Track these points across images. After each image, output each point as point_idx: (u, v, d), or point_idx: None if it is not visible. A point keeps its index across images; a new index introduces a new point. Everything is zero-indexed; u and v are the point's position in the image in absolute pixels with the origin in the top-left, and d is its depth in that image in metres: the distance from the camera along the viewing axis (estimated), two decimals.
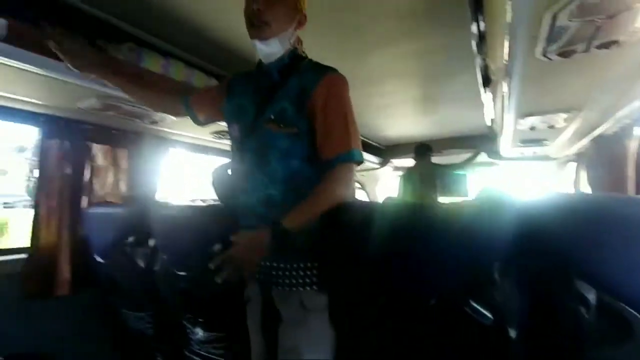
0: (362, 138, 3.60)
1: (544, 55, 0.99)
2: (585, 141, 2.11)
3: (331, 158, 0.92)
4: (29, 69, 1.15)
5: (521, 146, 2.60)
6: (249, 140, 0.99)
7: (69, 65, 1.11)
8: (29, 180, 1.96)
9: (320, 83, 0.93)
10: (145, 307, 1.57)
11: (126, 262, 1.50)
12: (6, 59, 1.08)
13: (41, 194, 1.63)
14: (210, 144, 2.55)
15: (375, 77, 2.12)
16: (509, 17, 0.88)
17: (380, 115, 2.98)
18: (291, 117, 0.94)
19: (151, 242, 1.47)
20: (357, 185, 4.84)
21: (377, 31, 1.58)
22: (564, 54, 0.97)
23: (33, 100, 1.50)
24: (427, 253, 0.82)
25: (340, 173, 0.93)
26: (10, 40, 1.04)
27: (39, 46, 1.10)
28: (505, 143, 2.57)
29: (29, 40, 1.08)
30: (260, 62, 1.04)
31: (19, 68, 1.14)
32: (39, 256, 1.61)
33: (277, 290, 0.98)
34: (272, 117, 0.95)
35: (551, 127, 1.87)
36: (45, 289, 1.62)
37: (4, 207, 12.11)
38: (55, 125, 1.65)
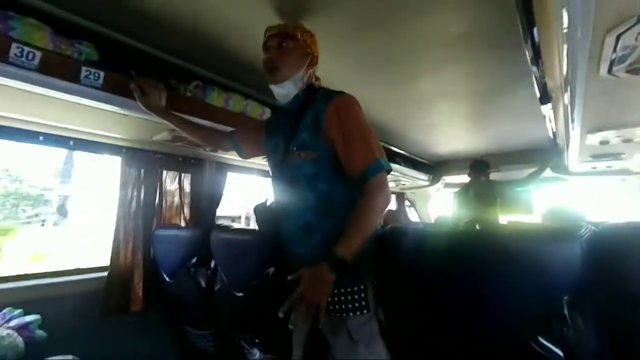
0: (412, 156, 3.57)
1: (610, 74, 0.93)
2: None
3: (361, 171, 0.94)
4: (118, 111, 1.36)
5: (593, 161, 2.36)
6: (282, 174, 1.08)
7: (140, 103, 1.31)
8: None
9: (328, 107, 0.98)
10: (206, 326, 1.67)
11: (190, 281, 1.62)
12: (103, 105, 1.29)
13: (120, 218, 1.84)
14: (264, 167, 2.70)
15: (427, 98, 2.10)
16: (564, 39, 0.84)
17: (431, 132, 2.91)
18: (310, 144, 1.00)
19: (212, 263, 1.58)
20: (406, 203, 4.71)
21: (430, 57, 1.58)
22: (634, 71, 0.89)
23: (118, 135, 1.77)
24: (489, 283, 0.78)
25: (375, 184, 0.93)
26: (107, 88, 1.26)
27: (126, 90, 1.31)
28: (573, 157, 2.35)
29: (118, 86, 1.29)
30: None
31: (110, 111, 1.35)
32: (117, 275, 1.80)
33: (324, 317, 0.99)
34: (295, 148, 1.02)
35: (628, 140, 1.68)
36: (122, 305, 1.80)
37: None
38: (134, 155, 1.90)
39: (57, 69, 1.12)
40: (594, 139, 1.72)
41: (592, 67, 0.91)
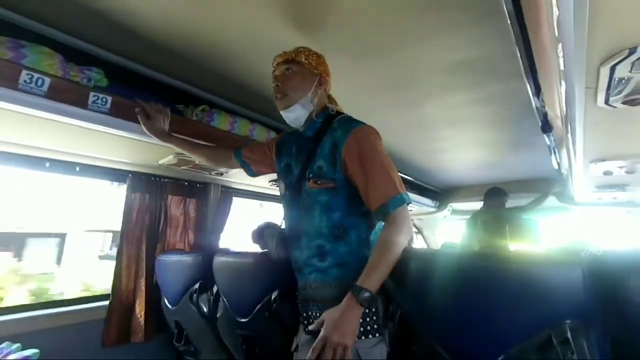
0: (417, 182, 3.59)
1: (607, 104, 0.95)
2: None
3: (381, 205, 0.93)
4: (124, 135, 1.38)
5: (598, 191, 2.36)
6: (295, 199, 1.07)
7: (144, 127, 1.33)
8: None
9: (349, 137, 0.97)
10: (208, 355, 1.63)
11: (192, 308, 1.59)
12: (110, 129, 1.31)
13: (124, 244, 1.83)
14: (269, 192, 2.71)
15: (430, 123, 2.14)
16: (561, 68, 0.87)
17: (436, 159, 2.93)
18: (327, 173, 0.99)
19: (215, 288, 1.56)
20: (414, 229, 4.66)
21: (430, 84, 1.64)
22: (631, 102, 0.92)
23: (123, 160, 1.79)
24: (493, 307, 0.78)
25: (399, 217, 0.92)
26: (114, 113, 1.28)
27: (132, 114, 1.34)
28: (579, 187, 2.35)
29: (125, 111, 1.32)
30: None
31: (116, 135, 1.38)
32: (118, 303, 1.77)
33: None
34: (311, 175, 1.01)
35: (631, 172, 1.69)
36: (123, 335, 1.75)
37: None
38: (139, 180, 1.92)
39: (66, 95, 1.15)
40: (597, 169, 1.73)
41: (590, 97, 0.94)
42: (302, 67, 1.07)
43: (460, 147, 2.62)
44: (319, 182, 1.00)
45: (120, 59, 1.42)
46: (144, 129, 1.34)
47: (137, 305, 1.80)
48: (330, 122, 1.06)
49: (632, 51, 0.68)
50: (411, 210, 4.05)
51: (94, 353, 1.66)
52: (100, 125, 1.26)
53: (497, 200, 3.21)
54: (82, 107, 1.20)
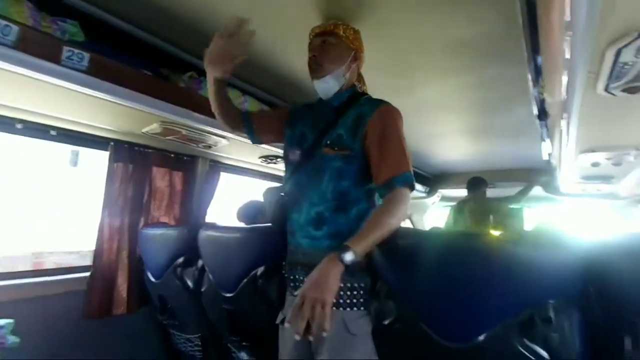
0: None
1: (607, 91, 0.94)
2: None
3: (389, 179, 0.95)
4: (104, 97, 1.27)
5: (583, 182, 2.41)
6: (305, 164, 1.07)
7: (209, 63, 1.09)
8: None
9: (377, 112, 1.01)
10: (193, 330, 1.62)
11: (177, 282, 1.57)
12: (88, 90, 1.20)
13: (105, 215, 1.76)
14: (259, 168, 2.67)
15: (427, 107, 2.11)
16: (567, 52, 0.85)
17: (430, 144, 2.93)
18: (346, 141, 1.01)
19: (200, 263, 1.54)
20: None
21: (431, 66, 1.59)
22: (630, 90, 0.91)
23: (105, 127, 1.68)
24: (478, 286, 0.80)
25: (402, 195, 0.94)
26: (92, 72, 1.17)
27: (113, 76, 1.23)
28: (565, 178, 2.40)
29: (105, 71, 1.21)
30: (321, 98, 1.14)
31: (96, 97, 1.26)
32: (100, 275, 1.72)
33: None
34: (329, 142, 1.02)
35: (618, 164, 1.71)
36: (104, 307, 1.72)
37: None
38: (122, 149, 1.83)
39: (36, 47, 1.03)
40: (586, 159, 1.76)
41: (590, 83, 0.92)
42: (339, 40, 1.08)
43: (454, 132, 2.61)
44: (335, 148, 1.01)
45: (100, 12, 1.28)
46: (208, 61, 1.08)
47: (119, 278, 1.77)
48: (357, 98, 1.09)
49: None
50: None
51: (75, 324, 1.63)
52: (76, 85, 1.15)
53: (480, 189, 3.27)
54: (55, 62, 1.08)
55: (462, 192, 3.74)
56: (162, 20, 1.35)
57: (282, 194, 1.12)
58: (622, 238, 0.72)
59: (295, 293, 1.02)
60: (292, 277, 1.07)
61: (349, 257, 0.82)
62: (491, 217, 3.22)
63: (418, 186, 3.74)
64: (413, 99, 1.95)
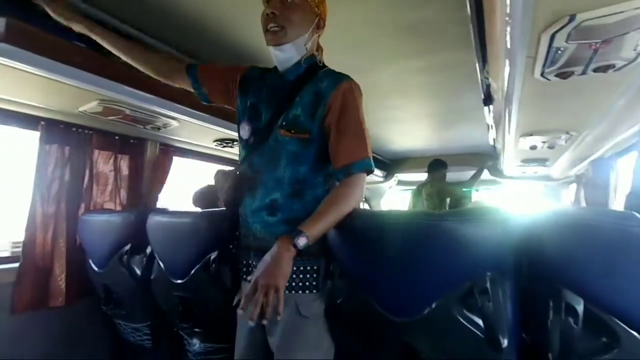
0: None
1: (542, 76, 1.00)
2: (585, 163, 2.11)
3: (347, 163, 0.91)
4: (29, 70, 1.14)
5: (523, 165, 2.61)
6: (260, 146, 0.99)
7: (54, 16, 1.04)
8: None
9: (336, 89, 0.93)
10: (142, 318, 1.55)
11: (123, 270, 1.48)
12: (6, 60, 1.06)
13: (36, 201, 1.60)
14: (213, 152, 2.56)
15: (380, 91, 2.14)
16: (507, 37, 0.89)
17: (385, 128, 2.99)
18: (303, 123, 0.94)
19: (148, 250, 1.46)
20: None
21: (381, 47, 1.60)
22: (562, 75, 0.98)
23: (33, 104, 1.49)
24: (422, 261, 0.83)
25: (359, 180, 0.92)
26: (10, 40, 1.04)
27: (40, 47, 1.10)
28: (508, 161, 2.58)
29: (29, 40, 1.08)
30: (276, 67, 1.03)
31: (19, 69, 1.13)
32: (31, 265, 1.57)
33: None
34: (285, 123, 0.95)
35: (551, 147, 1.87)
36: (37, 300, 1.58)
37: None
38: (56, 130, 1.65)
39: None
40: (525, 143, 1.89)
41: (529, 68, 0.98)
42: (304, 1, 0.93)
43: (408, 117, 2.69)
44: (292, 131, 0.94)
45: None
46: (56, 16, 1.04)
47: (56, 268, 1.63)
48: (315, 71, 0.99)
49: (571, 18, 0.70)
50: None
51: (3, 320, 1.49)
52: None
53: (438, 172, 3.41)
54: None
55: (419, 176, 3.90)
56: None
57: (238, 172, 1.05)
58: (550, 213, 0.77)
59: (249, 278, 0.98)
60: (244, 262, 1.04)
61: (302, 241, 0.81)
62: (447, 200, 3.39)
63: (376, 171, 3.84)
64: (366, 81, 1.93)
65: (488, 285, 0.75)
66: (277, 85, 1.01)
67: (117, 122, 1.74)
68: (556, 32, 0.76)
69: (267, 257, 0.81)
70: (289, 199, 0.95)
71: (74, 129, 1.72)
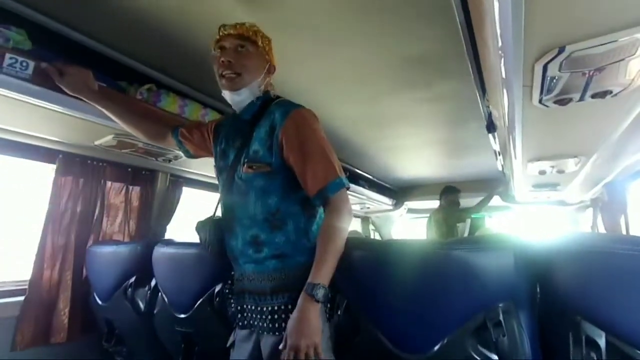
0: (375, 179, 3.66)
1: (541, 103, 1.01)
2: (599, 187, 2.05)
3: (321, 189, 0.91)
4: (52, 108, 1.22)
5: (534, 190, 2.56)
6: (230, 185, 1.00)
7: (63, 88, 1.16)
8: None
9: (287, 119, 0.94)
10: (142, 356, 1.51)
11: (126, 304, 1.46)
12: (32, 99, 1.15)
13: (48, 232, 1.63)
14: None
15: (388, 120, 2.18)
16: (502, 69, 0.91)
17: (392, 156, 3.02)
18: (262, 156, 0.96)
19: (153, 282, 1.45)
20: (370, 227, 4.77)
21: (385, 79, 1.66)
22: (560, 102, 0.98)
23: (53, 138, 1.58)
24: (432, 293, 0.80)
25: (340, 202, 0.92)
26: (37, 81, 1.13)
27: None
28: (519, 187, 2.53)
29: (51, 79, 1.16)
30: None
31: (42, 107, 1.21)
32: (37, 299, 1.56)
33: (267, 337, 0.93)
34: (246, 160, 0.97)
35: (561, 171, 1.84)
36: (40, 336, 1.55)
37: None
38: (71, 163, 1.72)
39: None
40: (534, 168, 1.87)
41: (527, 95, 0.99)
42: (257, 49, 1.00)
43: (415, 145, 2.71)
44: (254, 167, 0.95)
45: (50, 22, 1.26)
46: (63, 87, 1.16)
47: (60, 301, 1.62)
48: (268, 105, 1.02)
49: (560, 50, 0.72)
50: (369, 208, 4.17)
51: (5, 357, 1.47)
52: (18, 94, 1.10)
53: (450, 197, 3.38)
54: None
55: (429, 204, 3.86)
56: (120, 33, 1.33)
57: (216, 218, 1.08)
58: (563, 240, 0.74)
59: (245, 323, 0.99)
60: (239, 308, 1.01)
61: (320, 292, 0.83)
62: (458, 226, 3.33)
63: (384, 199, 3.82)
64: (373, 110, 2.02)
65: (501, 317, 0.71)
66: (237, 125, 1.06)
67: (130, 155, 1.80)
68: (548, 62, 0.78)
69: (295, 320, 0.82)
70: (270, 233, 0.95)
71: (88, 161, 1.78)
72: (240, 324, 1.01)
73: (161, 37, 1.37)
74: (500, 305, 0.73)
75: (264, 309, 0.94)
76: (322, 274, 0.84)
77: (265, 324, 0.93)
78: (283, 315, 0.91)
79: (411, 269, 0.83)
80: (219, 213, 1.08)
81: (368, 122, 2.22)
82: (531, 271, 0.75)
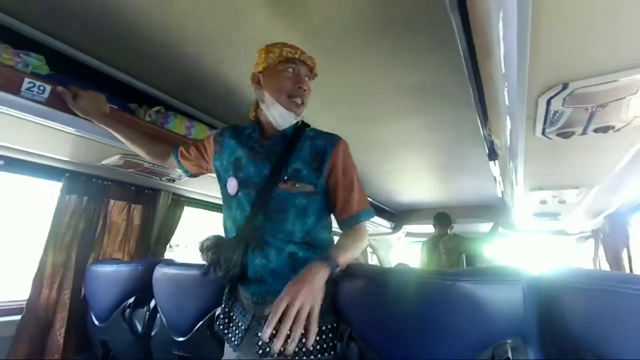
0: (374, 202, 3.67)
1: (544, 135, 1.04)
2: (600, 218, 2.06)
3: (354, 215, 1.00)
4: (64, 129, 1.25)
5: (535, 219, 2.56)
6: (263, 200, 0.97)
7: (76, 111, 1.22)
8: None
9: (337, 147, 1.02)
10: None
11: (124, 325, 1.43)
12: (47, 121, 1.19)
13: (49, 250, 1.62)
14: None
15: (387, 144, 2.22)
16: (506, 100, 0.94)
17: (392, 180, 3.04)
18: (307, 176, 0.98)
19: (152, 303, 1.42)
20: (368, 249, 4.72)
21: (387, 104, 1.71)
22: (563, 134, 1.01)
23: (61, 157, 1.61)
24: (438, 324, 0.78)
25: (364, 228, 1.02)
26: (52, 104, 1.17)
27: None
28: (519, 215, 2.54)
29: (65, 102, 1.21)
30: (258, 123, 1.09)
31: (55, 128, 1.24)
32: (33, 318, 1.54)
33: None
34: (286, 177, 0.97)
35: (562, 202, 1.85)
36: (34, 356, 1.51)
37: None
38: (77, 181, 1.73)
39: None
40: (535, 197, 1.88)
41: (530, 127, 1.02)
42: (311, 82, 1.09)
43: (415, 169, 2.74)
44: (297, 185, 0.97)
45: (66, 48, 1.33)
46: (76, 110, 1.22)
47: (57, 322, 1.58)
48: (303, 129, 1.08)
49: (564, 86, 0.75)
50: (367, 231, 4.14)
51: None
52: (33, 116, 1.14)
53: (449, 225, 3.36)
54: (13, 93, 1.09)
55: (427, 228, 3.84)
56: (130, 56, 1.39)
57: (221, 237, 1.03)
58: (575, 275, 0.71)
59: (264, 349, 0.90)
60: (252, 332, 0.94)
61: (333, 264, 0.83)
62: (464, 256, 3.29)
63: (383, 222, 3.81)
64: (374, 134, 2.07)
65: (510, 354, 0.68)
66: (270, 141, 1.05)
67: (135, 174, 1.81)
68: (552, 97, 0.81)
69: (300, 276, 0.78)
70: (306, 251, 0.96)
71: (93, 179, 1.80)
72: (260, 352, 0.91)
73: (170, 62, 1.43)
74: (509, 341, 0.70)
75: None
76: (340, 256, 0.87)
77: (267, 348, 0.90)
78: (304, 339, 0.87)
79: (416, 299, 0.82)
80: (227, 232, 1.05)
81: (368, 146, 2.26)
82: (541, 306, 0.72)
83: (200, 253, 1.04)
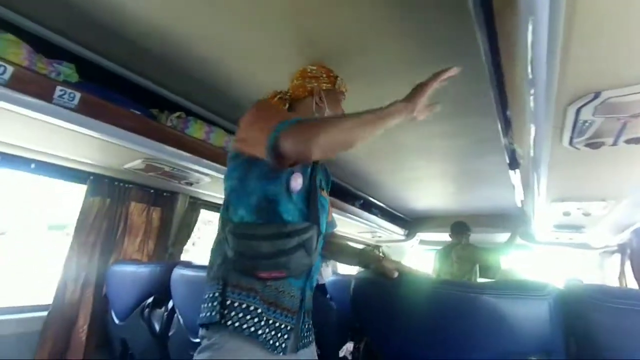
0: (388, 209, 3.62)
1: (571, 145, 1.01)
2: (628, 232, 1.98)
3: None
4: (92, 134, 1.30)
5: (557, 231, 2.48)
6: (315, 203, 0.97)
7: None
8: None
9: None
10: None
11: (142, 324, 1.45)
12: (77, 127, 1.24)
13: (74, 250, 1.68)
14: None
15: (404, 152, 2.20)
16: (532, 109, 0.92)
17: (408, 187, 3.00)
18: (324, 185, 1.10)
19: (170, 304, 1.44)
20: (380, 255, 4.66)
21: None
22: (592, 145, 0.98)
23: (87, 161, 1.69)
24: (459, 337, 0.76)
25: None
26: (82, 110, 1.22)
27: (103, 114, 1.28)
28: (539, 226, 2.47)
29: (95, 110, 1.27)
30: None
31: (82, 133, 1.29)
32: (59, 315, 1.59)
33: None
34: (321, 184, 1.07)
35: (587, 214, 1.79)
36: (58, 352, 1.56)
37: None
38: (101, 184, 1.80)
39: (29, 86, 1.10)
40: (558, 208, 1.83)
41: (556, 137, 0.99)
42: None
43: (431, 177, 2.70)
44: (325, 191, 1.08)
45: (95, 56, 1.38)
46: None
47: (80, 319, 1.63)
48: None
49: (596, 95, 0.73)
50: (380, 237, 4.11)
51: None
52: (65, 122, 1.19)
53: (465, 234, 3.29)
54: (46, 100, 1.14)
55: (441, 237, 3.77)
56: (154, 64, 1.43)
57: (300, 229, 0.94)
58: (603, 293, 0.69)
59: (303, 341, 0.89)
60: (290, 328, 0.85)
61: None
62: (477, 266, 3.21)
63: (396, 229, 3.76)
64: (391, 143, 2.05)
65: None
66: None
67: (155, 177, 1.86)
68: (582, 106, 0.78)
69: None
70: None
71: (116, 182, 1.86)
72: (297, 346, 0.87)
73: (192, 70, 1.47)
74: (532, 358, 0.68)
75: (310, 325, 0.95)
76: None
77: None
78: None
79: (438, 310, 0.80)
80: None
81: (384, 153, 2.24)
82: (567, 323, 0.70)
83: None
